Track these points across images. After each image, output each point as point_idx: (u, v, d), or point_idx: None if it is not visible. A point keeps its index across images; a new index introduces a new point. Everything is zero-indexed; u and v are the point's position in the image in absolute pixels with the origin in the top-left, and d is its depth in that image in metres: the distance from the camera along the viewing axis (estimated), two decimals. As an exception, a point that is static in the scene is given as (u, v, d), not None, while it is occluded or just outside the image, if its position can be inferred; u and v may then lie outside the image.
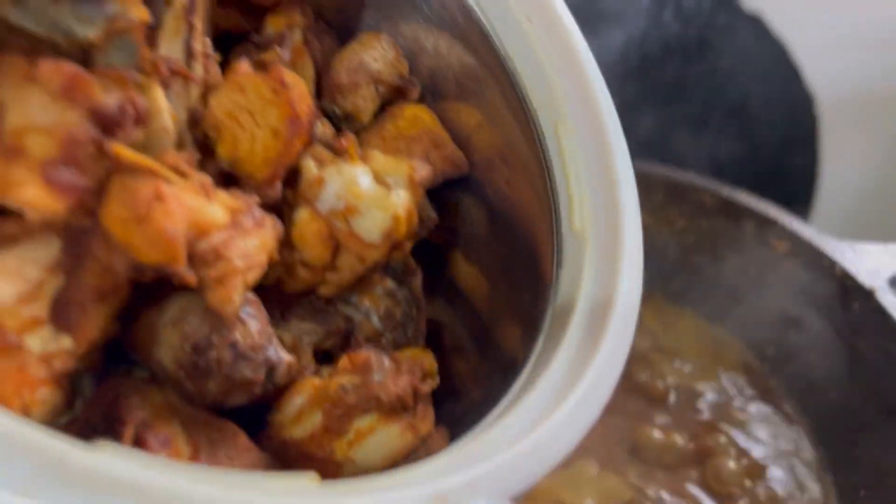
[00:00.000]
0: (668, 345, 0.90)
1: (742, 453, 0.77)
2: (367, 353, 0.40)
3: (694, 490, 0.74)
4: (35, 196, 0.32)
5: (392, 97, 0.51)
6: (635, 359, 0.88)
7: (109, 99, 0.34)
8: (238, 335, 0.37)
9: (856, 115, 1.38)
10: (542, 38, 0.47)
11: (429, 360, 0.42)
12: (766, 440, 0.80)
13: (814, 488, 0.76)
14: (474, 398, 0.47)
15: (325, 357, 0.45)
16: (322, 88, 0.50)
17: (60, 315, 0.34)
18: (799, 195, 1.27)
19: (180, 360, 0.36)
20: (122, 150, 0.34)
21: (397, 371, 0.40)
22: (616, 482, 0.75)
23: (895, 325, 0.77)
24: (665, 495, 0.73)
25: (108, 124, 0.34)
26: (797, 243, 0.88)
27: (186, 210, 0.34)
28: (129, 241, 0.33)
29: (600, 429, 0.79)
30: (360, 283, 0.46)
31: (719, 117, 1.27)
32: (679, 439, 0.77)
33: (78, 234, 0.34)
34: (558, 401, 0.38)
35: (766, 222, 0.90)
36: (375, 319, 0.46)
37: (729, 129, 1.28)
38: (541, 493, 0.74)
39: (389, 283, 0.47)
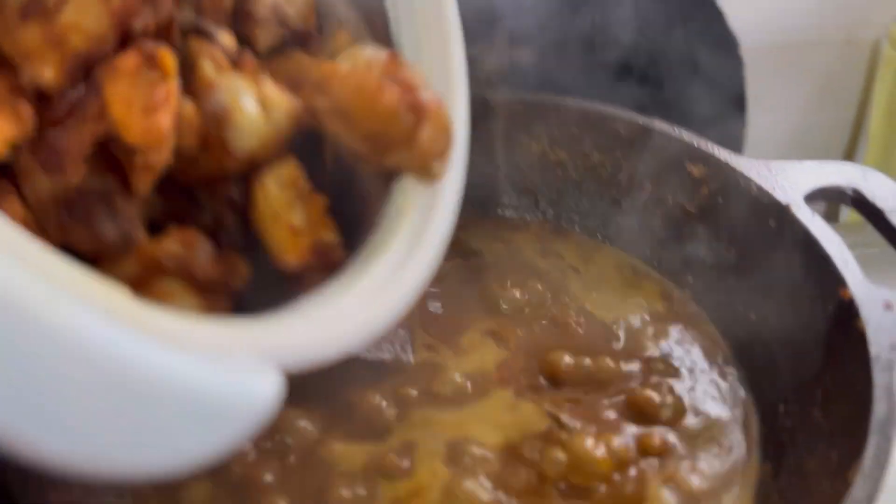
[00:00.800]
0: (588, 277, 0.87)
1: (661, 377, 0.75)
2: (195, 233, 0.45)
3: (612, 415, 0.71)
4: (50, 79, 0.39)
5: (291, 42, 0.55)
6: (554, 291, 0.85)
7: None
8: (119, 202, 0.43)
9: (777, 59, 1.38)
10: None
11: (243, 266, 0.48)
12: (686, 362, 0.77)
13: (735, 408, 0.74)
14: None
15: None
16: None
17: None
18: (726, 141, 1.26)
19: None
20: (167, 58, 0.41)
21: (216, 260, 0.45)
22: (531, 412, 0.72)
23: (810, 238, 0.75)
24: (581, 422, 0.70)
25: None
26: (713, 165, 0.85)
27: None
28: (126, 121, 0.40)
29: (518, 360, 0.76)
30: (208, 183, 0.49)
31: (642, 63, 1.24)
32: (595, 365, 0.74)
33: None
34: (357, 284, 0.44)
35: (681, 148, 0.88)
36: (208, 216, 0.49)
37: (651, 75, 1.25)
38: (449, 428, 0.70)
39: (233, 192, 0.50)
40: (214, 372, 0.33)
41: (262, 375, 0.35)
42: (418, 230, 0.49)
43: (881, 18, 1.35)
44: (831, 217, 1.42)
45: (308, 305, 0.42)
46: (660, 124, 0.90)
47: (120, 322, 0.31)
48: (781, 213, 0.78)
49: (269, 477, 0.64)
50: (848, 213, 1.43)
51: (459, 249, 0.88)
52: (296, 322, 0.39)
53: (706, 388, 0.75)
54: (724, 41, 1.24)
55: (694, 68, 1.24)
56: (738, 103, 1.19)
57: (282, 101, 0.48)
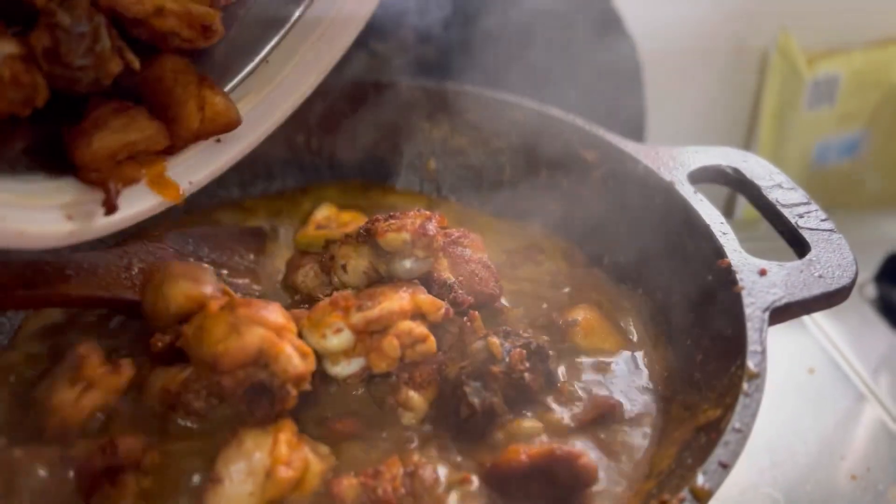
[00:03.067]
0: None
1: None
2: None
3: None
4: None
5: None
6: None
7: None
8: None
9: (674, 64, 1.43)
10: None
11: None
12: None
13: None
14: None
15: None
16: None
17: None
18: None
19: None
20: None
21: None
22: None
23: (692, 212, 0.79)
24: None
25: None
26: (605, 150, 0.89)
27: None
28: None
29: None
30: None
31: (546, 65, 1.27)
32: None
33: None
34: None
35: (576, 133, 0.91)
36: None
37: (557, 77, 1.28)
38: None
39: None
40: None
41: None
42: None
43: (769, 27, 1.43)
44: (727, 213, 1.48)
45: None
46: (556, 111, 0.92)
47: None
48: (666, 191, 0.82)
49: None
50: (742, 210, 1.49)
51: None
52: None
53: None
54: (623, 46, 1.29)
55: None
56: (635, 99, 1.24)
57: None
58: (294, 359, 0.64)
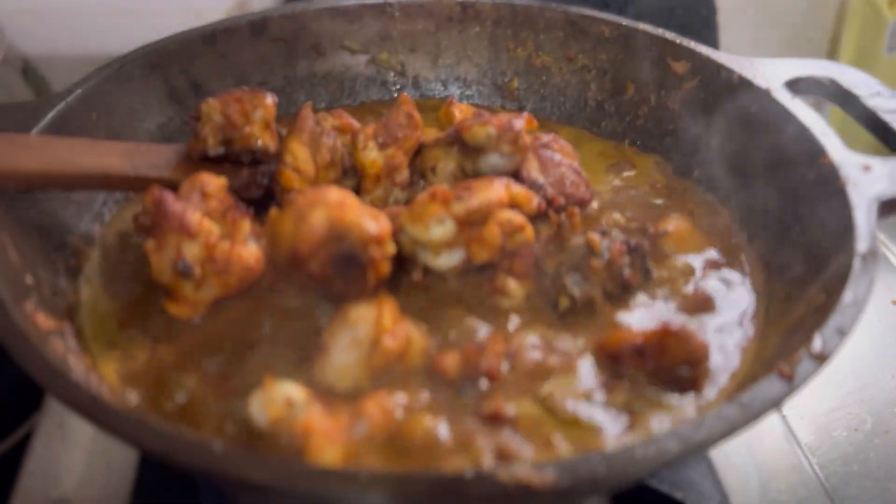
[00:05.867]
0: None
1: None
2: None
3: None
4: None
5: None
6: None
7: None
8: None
9: (750, 8, 1.41)
10: None
11: None
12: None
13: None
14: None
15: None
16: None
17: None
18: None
19: None
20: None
21: None
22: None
23: (790, 116, 0.77)
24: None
25: None
26: (696, 62, 0.88)
27: None
28: None
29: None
30: None
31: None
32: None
33: None
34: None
35: (665, 46, 0.90)
36: None
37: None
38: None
39: None
40: None
41: None
42: None
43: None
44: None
45: None
46: (644, 25, 0.92)
47: None
48: (763, 98, 0.81)
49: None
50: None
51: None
52: None
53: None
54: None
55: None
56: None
57: None
58: (364, 219, 0.64)
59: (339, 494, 0.46)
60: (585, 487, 0.47)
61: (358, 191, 0.77)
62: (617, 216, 0.80)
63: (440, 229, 0.69)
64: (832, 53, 1.45)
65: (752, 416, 0.49)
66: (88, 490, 0.76)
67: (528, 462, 0.54)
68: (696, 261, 0.76)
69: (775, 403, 0.51)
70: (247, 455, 0.47)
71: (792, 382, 0.52)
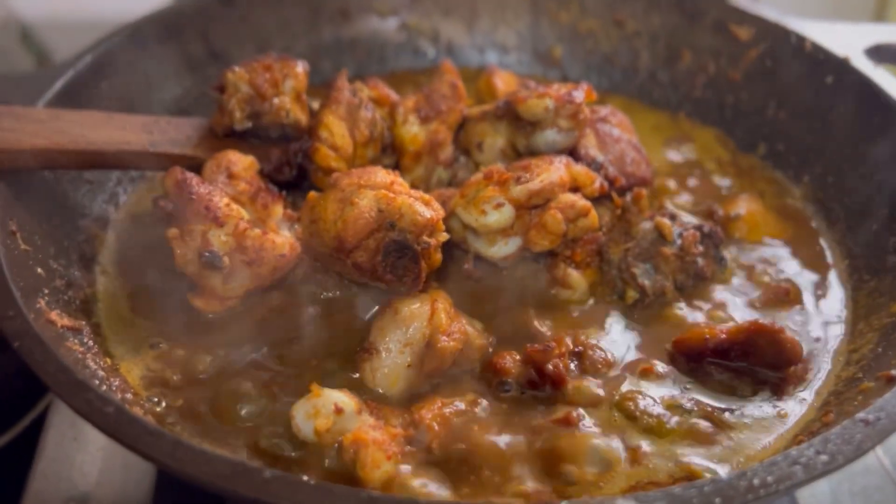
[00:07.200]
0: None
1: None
2: None
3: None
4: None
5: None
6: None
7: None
8: None
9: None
10: None
11: None
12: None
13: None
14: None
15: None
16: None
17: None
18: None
19: None
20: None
21: None
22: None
23: (873, 88, 0.70)
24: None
25: None
26: (762, 26, 0.80)
27: None
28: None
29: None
30: None
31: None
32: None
33: None
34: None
35: (727, 10, 0.82)
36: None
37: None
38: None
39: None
40: None
41: None
42: None
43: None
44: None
45: None
46: (701, -13, 0.84)
47: None
48: (840, 68, 0.73)
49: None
50: None
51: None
52: None
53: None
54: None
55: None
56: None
57: None
58: (417, 205, 0.57)
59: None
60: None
61: (395, 170, 0.70)
62: (682, 198, 0.73)
63: (497, 215, 0.62)
64: (879, 14, 1.37)
65: (881, 435, 0.43)
66: (107, 488, 0.70)
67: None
68: (772, 247, 0.70)
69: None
70: (305, 485, 0.40)
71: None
